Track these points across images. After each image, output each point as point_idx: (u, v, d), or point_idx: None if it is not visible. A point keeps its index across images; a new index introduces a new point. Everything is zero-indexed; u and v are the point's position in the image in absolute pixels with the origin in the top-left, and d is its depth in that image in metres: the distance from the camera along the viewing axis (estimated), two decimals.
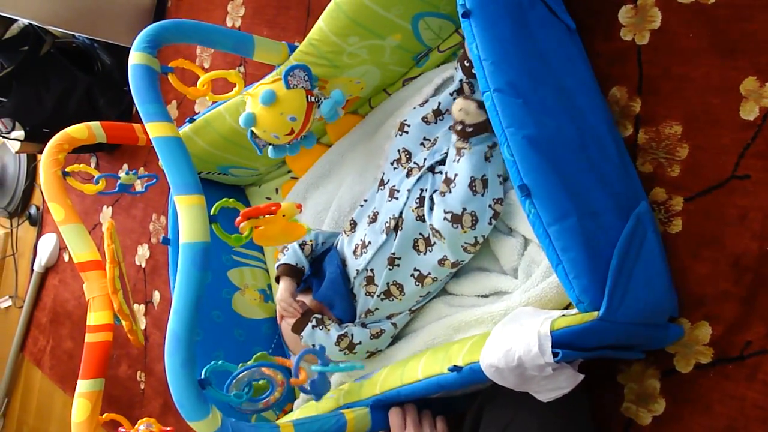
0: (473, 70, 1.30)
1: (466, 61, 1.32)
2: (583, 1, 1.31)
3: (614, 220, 1.06)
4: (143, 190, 1.70)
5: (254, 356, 1.12)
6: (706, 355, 1.14)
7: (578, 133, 1.10)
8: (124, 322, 1.31)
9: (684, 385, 1.17)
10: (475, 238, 1.28)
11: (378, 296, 1.40)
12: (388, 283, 1.39)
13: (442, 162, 1.37)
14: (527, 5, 1.14)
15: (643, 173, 1.23)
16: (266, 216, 1.19)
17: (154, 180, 1.68)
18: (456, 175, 1.26)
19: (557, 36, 1.20)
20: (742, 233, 1.12)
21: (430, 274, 1.36)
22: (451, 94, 1.40)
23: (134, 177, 1.61)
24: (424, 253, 1.35)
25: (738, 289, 1.12)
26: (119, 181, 1.61)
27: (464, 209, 1.25)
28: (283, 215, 1.18)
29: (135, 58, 1.23)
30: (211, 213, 1.12)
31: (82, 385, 1.26)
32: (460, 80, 1.36)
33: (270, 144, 1.39)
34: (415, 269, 1.37)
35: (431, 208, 1.31)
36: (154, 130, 1.17)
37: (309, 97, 1.34)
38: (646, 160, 1.23)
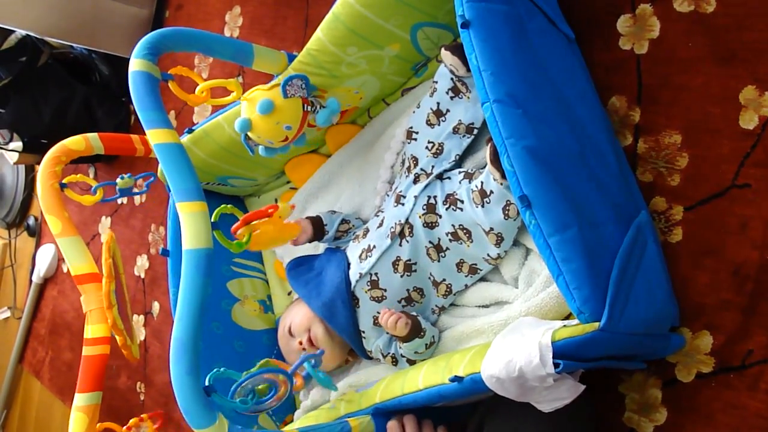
0: (456, 72, 1.32)
1: (449, 64, 1.32)
2: (582, 11, 1.31)
3: (615, 231, 1.06)
4: (145, 188, 1.69)
5: (258, 363, 1.12)
6: (708, 365, 1.14)
7: (578, 143, 1.10)
8: (117, 338, 1.31)
9: (685, 394, 1.16)
10: (498, 254, 1.29)
11: (399, 302, 1.40)
12: (408, 290, 1.39)
13: (451, 169, 1.38)
14: (526, 16, 1.14)
15: (643, 183, 1.23)
16: (263, 219, 1.20)
17: (152, 177, 1.67)
18: (491, 191, 1.24)
19: (556, 46, 1.20)
20: (743, 242, 1.12)
21: (444, 280, 1.37)
22: (447, 92, 1.39)
23: (131, 180, 1.61)
24: (438, 261, 1.35)
25: (739, 299, 1.12)
26: (118, 187, 1.61)
27: (491, 229, 1.25)
28: (279, 216, 1.20)
29: (135, 65, 1.23)
30: (212, 220, 1.12)
31: (79, 399, 1.26)
32: (451, 78, 1.37)
33: (262, 145, 1.39)
34: (431, 275, 1.37)
35: (461, 209, 1.30)
36: (156, 136, 1.17)
37: (305, 105, 1.35)
38: (646, 169, 1.23)
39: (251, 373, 1.08)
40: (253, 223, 1.28)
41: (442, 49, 1.32)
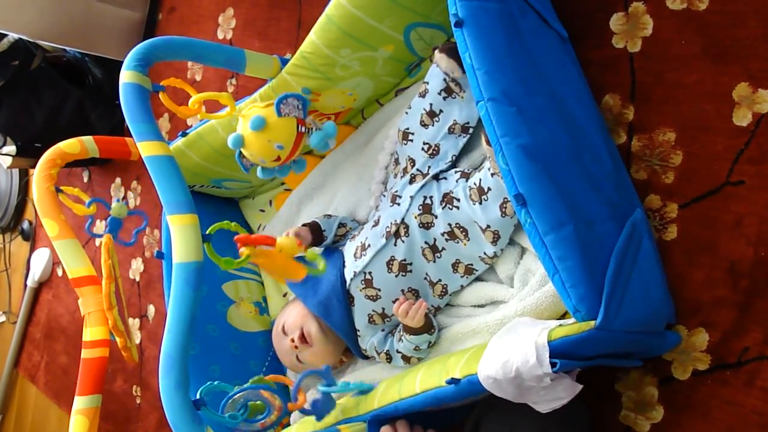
0: (452, 74, 1.32)
1: (444, 68, 1.32)
2: (575, 9, 1.31)
3: (610, 229, 1.06)
4: (133, 239, 1.68)
5: (251, 380, 1.11)
6: (704, 362, 1.14)
7: (572, 141, 1.10)
8: (118, 339, 1.30)
9: (682, 392, 1.16)
10: (495, 252, 1.29)
11: (394, 302, 1.38)
12: (403, 290, 1.39)
13: (447, 170, 1.38)
14: (519, 14, 1.15)
15: (637, 181, 1.23)
16: (263, 247, 1.17)
17: (144, 223, 1.67)
18: (489, 189, 1.25)
19: (549, 45, 1.20)
20: (738, 239, 1.12)
21: (440, 280, 1.37)
22: (439, 93, 1.39)
23: (125, 207, 1.61)
24: (433, 261, 1.35)
25: (734, 295, 1.12)
26: (110, 216, 1.60)
27: (488, 226, 1.26)
28: (280, 251, 1.16)
29: (126, 76, 1.23)
30: (207, 232, 1.12)
31: (80, 402, 1.26)
32: (444, 79, 1.37)
33: (257, 165, 1.38)
34: (426, 275, 1.37)
35: (458, 208, 1.31)
36: (146, 149, 1.17)
37: (300, 126, 1.32)
38: (640, 167, 1.23)
39: (243, 387, 1.07)
40: (258, 248, 1.25)
41: (437, 52, 1.32)
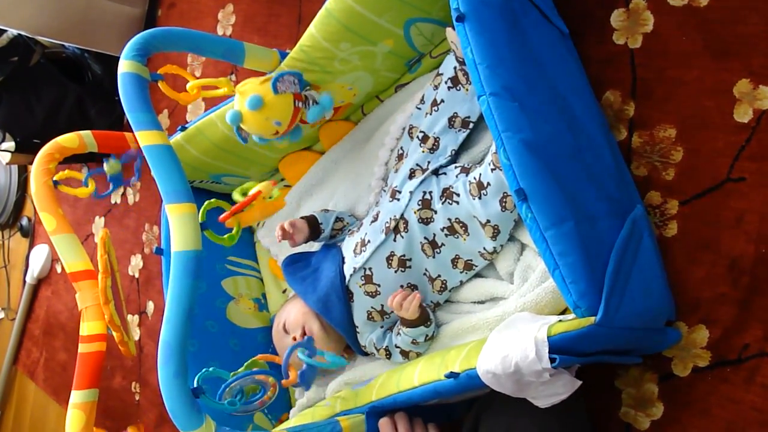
0: (456, 52, 1.31)
1: (451, 41, 1.31)
2: (576, 6, 1.31)
3: (610, 225, 1.05)
4: (136, 175, 1.66)
5: (245, 363, 1.12)
6: (704, 359, 1.14)
7: (573, 137, 1.10)
8: (114, 333, 1.30)
9: (682, 389, 1.16)
10: (494, 247, 1.29)
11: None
12: (402, 286, 1.38)
13: (447, 165, 1.38)
14: (520, 11, 1.14)
15: (637, 177, 1.23)
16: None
17: (139, 158, 1.64)
18: (488, 183, 1.24)
19: (550, 41, 1.20)
20: (738, 236, 1.12)
21: (440, 276, 1.36)
22: (446, 82, 1.39)
23: (117, 163, 1.60)
24: (433, 257, 1.35)
25: (735, 292, 1.12)
26: (108, 175, 1.60)
27: (488, 221, 1.25)
28: (263, 197, 1.20)
29: (124, 66, 1.23)
30: (200, 219, 1.12)
31: (76, 396, 1.25)
32: (454, 68, 1.36)
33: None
34: (426, 270, 1.37)
35: (457, 203, 1.30)
36: (144, 138, 1.17)
37: (297, 102, 1.34)
38: (641, 163, 1.23)
39: (239, 375, 1.08)
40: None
41: (448, 29, 1.32)
